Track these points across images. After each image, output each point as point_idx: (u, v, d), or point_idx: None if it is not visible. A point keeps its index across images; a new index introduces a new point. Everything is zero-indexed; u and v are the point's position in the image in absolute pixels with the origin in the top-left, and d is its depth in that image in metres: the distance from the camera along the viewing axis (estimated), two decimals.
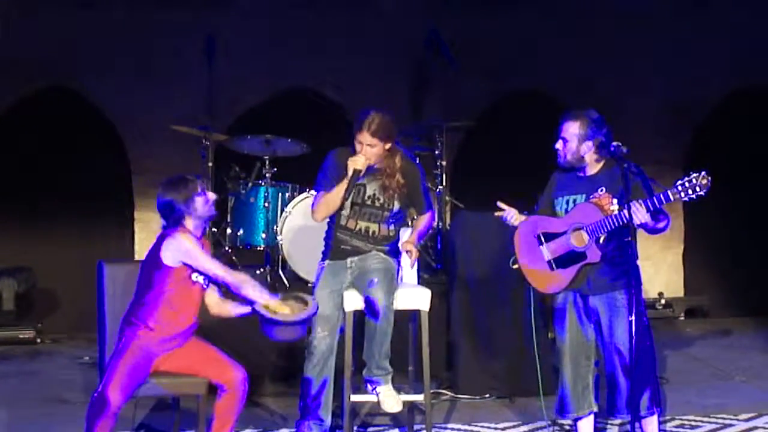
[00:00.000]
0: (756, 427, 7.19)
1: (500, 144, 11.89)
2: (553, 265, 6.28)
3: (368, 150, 6.46)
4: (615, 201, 6.05)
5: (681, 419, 7.29)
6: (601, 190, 6.16)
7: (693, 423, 7.30)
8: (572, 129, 6.26)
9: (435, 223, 8.19)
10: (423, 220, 6.83)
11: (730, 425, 7.26)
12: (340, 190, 6.51)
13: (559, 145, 6.32)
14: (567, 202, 6.30)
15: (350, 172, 6.46)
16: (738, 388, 8.52)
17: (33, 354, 10.28)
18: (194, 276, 5.94)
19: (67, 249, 11.72)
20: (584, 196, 6.18)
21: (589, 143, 6.24)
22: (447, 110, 10.12)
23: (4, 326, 10.83)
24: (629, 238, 6.02)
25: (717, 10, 12.23)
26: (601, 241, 6.07)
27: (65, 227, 11.78)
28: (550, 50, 12.15)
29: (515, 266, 6.52)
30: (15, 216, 11.67)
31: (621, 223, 5.96)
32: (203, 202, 5.98)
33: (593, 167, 6.30)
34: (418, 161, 9.41)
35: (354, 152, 6.58)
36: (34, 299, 11.53)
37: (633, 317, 5.74)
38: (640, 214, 5.89)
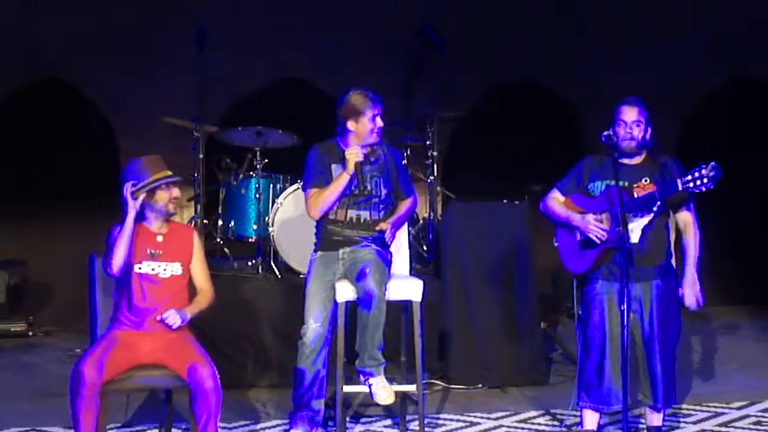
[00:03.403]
0: (748, 415, 7.21)
1: (492, 134, 11.89)
2: (581, 246, 6.27)
3: (379, 123, 6.59)
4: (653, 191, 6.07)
5: (674, 407, 7.27)
6: (646, 180, 6.15)
7: (686, 411, 7.32)
8: (645, 115, 6.25)
9: (418, 211, 8.21)
10: (404, 205, 6.89)
11: (723, 413, 7.28)
12: (338, 185, 6.55)
13: (638, 131, 6.23)
14: (607, 187, 6.25)
15: (351, 166, 6.51)
16: (731, 377, 8.55)
17: (25, 347, 10.26)
18: (137, 267, 5.95)
19: (59, 242, 11.70)
20: (627, 183, 6.14)
21: (649, 131, 6.26)
22: (438, 101, 10.10)
23: None
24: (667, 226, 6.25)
25: None
26: (632, 228, 6.02)
27: (57, 220, 11.74)
28: (542, 40, 12.14)
29: (556, 244, 6.51)
30: (6, 209, 11.63)
31: (646, 206, 6.00)
32: (165, 198, 6.02)
33: (639, 157, 6.28)
34: (408, 152, 9.54)
35: (338, 144, 6.69)
36: (25, 292, 11.51)
37: (624, 306, 5.76)
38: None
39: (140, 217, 6.02)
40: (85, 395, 5.59)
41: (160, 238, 6.06)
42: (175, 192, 6.08)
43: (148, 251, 5.99)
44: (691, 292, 6.32)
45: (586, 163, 6.46)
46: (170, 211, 6.09)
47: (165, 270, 6.04)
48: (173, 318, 5.96)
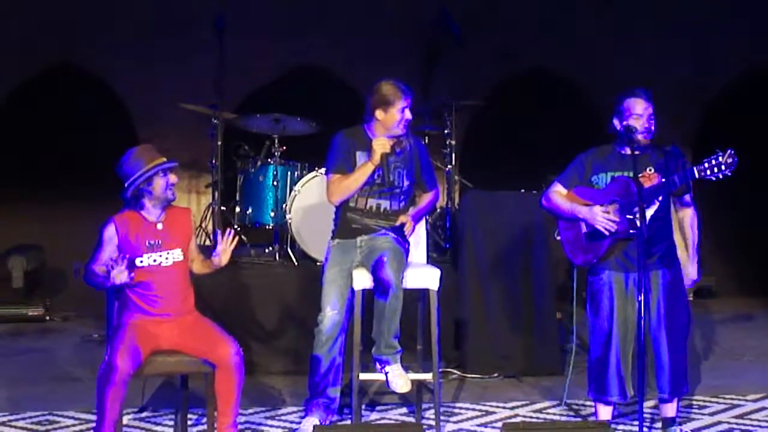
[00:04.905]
0: (765, 408, 7.19)
1: (510, 123, 11.88)
2: (587, 238, 6.25)
3: (408, 115, 6.56)
4: (663, 180, 6.05)
5: (689, 399, 7.28)
6: (649, 170, 6.14)
7: (701, 403, 7.30)
8: (653, 106, 6.23)
9: (438, 203, 8.20)
10: (426, 198, 6.90)
11: (739, 405, 7.25)
12: (361, 174, 6.53)
13: (652, 122, 6.21)
14: (612, 178, 6.24)
15: (378, 157, 6.49)
16: (746, 369, 8.52)
17: (42, 331, 10.31)
18: (138, 261, 5.94)
19: (76, 227, 11.70)
20: (631, 173, 6.10)
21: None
22: (456, 89, 10.09)
23: (14, 304, 10.87)
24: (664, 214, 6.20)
25: None
26: (640, 217, 5.99)
27: (74, 206, 11.79)
28: (560, 30, 12.11)
29: (558, 238, 6.49)
30: (24, 194, 11.69)
31: (654, 197, 6.00)
32: (163, 185, 6.02)
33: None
34: (426, 140, 9.53)
35: (365, 131, 6.66)
36: (43, 277, 11.56)
37: (641, 297, 5.75)
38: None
39: (138, 206, 6.02)
40: (117, 385, 5.61)
41: (160, 226, 6.03)
42: (173, 178, 6.04)
43: (148, 243, 5.97)
44: (692, 270, 6.30)
45: (587, 155, 6.41)
46: (169, 197, 6.05)
47: (167, 258, 6.01)
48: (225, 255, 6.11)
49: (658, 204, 6.12)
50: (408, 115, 6.58)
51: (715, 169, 5.81)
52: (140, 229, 5.99)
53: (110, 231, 5.95)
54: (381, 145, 6.50)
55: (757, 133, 12.01)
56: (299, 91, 11.33)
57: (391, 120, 6.56)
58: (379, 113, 6.57)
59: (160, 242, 5.99)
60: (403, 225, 6.61)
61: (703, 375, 8.07)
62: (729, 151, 5.80)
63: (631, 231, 6.01)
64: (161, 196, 6.00)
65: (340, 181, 6.60)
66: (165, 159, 6.04)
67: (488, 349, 8.28)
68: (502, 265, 8.36)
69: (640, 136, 6.15)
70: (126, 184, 5.98)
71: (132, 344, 5.74)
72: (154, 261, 5.98)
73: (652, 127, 6.19)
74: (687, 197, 6.30)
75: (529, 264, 8.37)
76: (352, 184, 6.56)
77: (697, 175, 5.88)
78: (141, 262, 5.94)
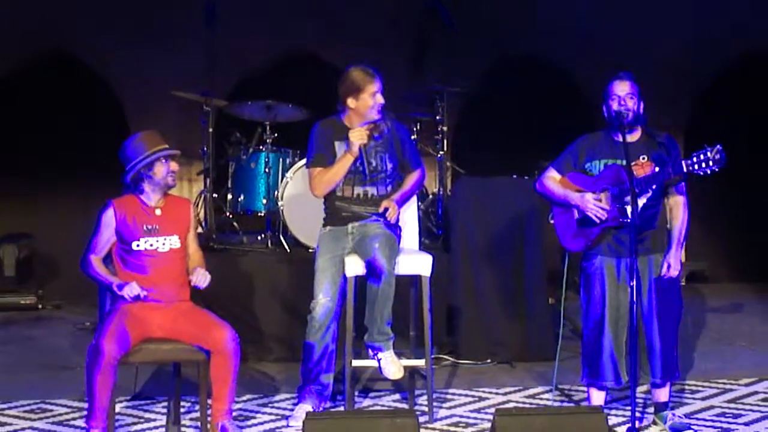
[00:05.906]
0: (756, 392, 7.20)
1: (501, 109, 11.86)
2: (579, 224, 6.26)
3: (380, 99, 6.52)
4: (657, 170, 6.06)
5: (681, 384, 7.29)
6: (643, 158, 6.14)
7: (694, 388, 7.31)
8: (637, 89, 6.22)
9: (427, 184, 8.15)
10: (411, 179, 6.84)
11: (731, 390, 7.27)
12: (342, 166, 6.53)
13: (632, 103, 6.23)
14: (605, 166, 6.25)
15: (355, 149, 6.47)
16: (739, 353, 8.53)
17: (34, 320, 10.31)
18: (134, 244, 5.98)
19: (68, 215, 11.71)
20: (624, 162, 6.09)
21: (642, 104, 6.25)
22: (447, 75, 10.07)
23: (5, 292, 10.86)
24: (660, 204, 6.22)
25: None
26: (632, 205, 6.00)
27: (66, 193, 11.77)
28: (550, 13, 12.08)
29: (552, 221, 6.50)
30: (16, 182, 11.65)
31: (647, 187, 6.01)
32: (164, 171, 6.03)
33: (635, 133, 6.27)
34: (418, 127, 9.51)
35: (341, 120, 6.64)
36: (35, 265, 11.53)
37: (634, 282, 5.76)
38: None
39: (138, 190, 6.05)
40: (104, 368, 5.61)
41: (158, 212, 6.07)
42: (174, 165, 6.08)
43: (145, 227, 6.00)
44: (675, 262, 6.24)
45: (581, 142, 6.42)
46: (169, 183, 6.09)
47: (164, 244, 6.04)
48: (203, 277, 6.03)
49: (651, 192, 6.13)
50: (380, 99, 6.54)
51: (703, 164, 5.82)
52: (138, 213, 6.03)
53: (108, 214, 6.00)
54: (358, 136, 6.47)
55: (751, 118, 12.01)
56: (290, 77, 11.31)
57: (363, 106, 6.53)
58: (350, 101, 6.55)
59: (157, 227, 6.03)
60: (386, 210, 6.58)
61: (695, 360, 8.09)
62: (717, 146, 5.80)
63: (621, 219, 6.04)
64: (161, 181, 6.05)
65: (321, 175, 6.59)
66: (168, 146, 6.07)
67: (481, 335, 8.29)
68: (495, 250, 8.36)
69: (621, 109, 6.15)
70: (127, 168, 6.01)
71: (120, 329, 5.74)
72: (151, 246, 6.00)
73: (632, 107, 6.19)
74: (681, 185, 6.30)
75: (522, 249, 8.37)
76: (333, 177, 6.55)
77: (685, 170, 5.89)
78: (138, 245, 5.97)
